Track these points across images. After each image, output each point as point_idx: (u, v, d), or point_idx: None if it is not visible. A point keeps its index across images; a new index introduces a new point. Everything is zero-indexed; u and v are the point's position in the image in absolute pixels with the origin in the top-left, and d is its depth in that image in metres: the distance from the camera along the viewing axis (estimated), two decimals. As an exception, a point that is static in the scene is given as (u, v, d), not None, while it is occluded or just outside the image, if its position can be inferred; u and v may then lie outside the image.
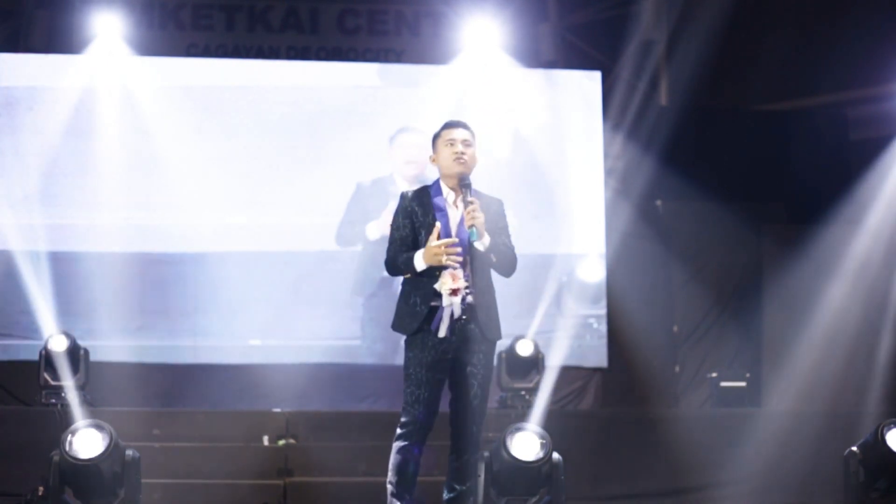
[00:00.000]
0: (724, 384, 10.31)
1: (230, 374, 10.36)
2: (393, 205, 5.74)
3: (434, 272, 5.44)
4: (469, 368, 5.50)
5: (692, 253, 11.46)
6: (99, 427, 6.44)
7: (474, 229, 5.42)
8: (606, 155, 11.21)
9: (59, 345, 9.11)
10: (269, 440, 8.78)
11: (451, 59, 11.10)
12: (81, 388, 8.97)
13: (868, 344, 10.37)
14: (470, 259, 5.50)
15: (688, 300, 11.42)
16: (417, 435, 5.54)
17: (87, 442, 6.36)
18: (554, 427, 6.91)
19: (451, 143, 5.60)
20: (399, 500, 5.64)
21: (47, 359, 9.05)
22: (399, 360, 5.66)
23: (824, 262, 10.61)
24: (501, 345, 9.72)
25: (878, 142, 10.97)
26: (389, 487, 5.66)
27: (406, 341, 5.56)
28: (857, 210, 10.74)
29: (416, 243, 5.52)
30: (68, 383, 8.90)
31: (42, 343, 9.28)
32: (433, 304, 5.46)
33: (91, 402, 8.87)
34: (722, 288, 11.46)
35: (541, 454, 6.48)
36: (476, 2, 11.05)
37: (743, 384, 10.26)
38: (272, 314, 10.57)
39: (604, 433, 8.91)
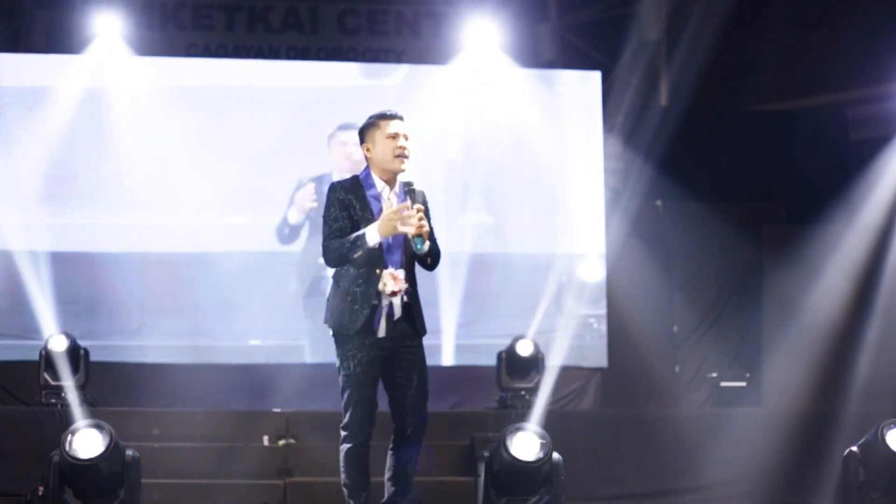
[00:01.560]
0: (724, 384, 10.31)
1: (230, 374, 10.35)
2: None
3: (373, 271, 5.35)
4: (406, 364, 5.51)
5: (692, 253, 11.46)
6: (99, 427, 6.44)
7: (419, 238, 5.31)
8: (606, 155, 11.21)
9: (59, 345, 9.11)
10: (269, 440, 8.78)
11: (451, 59, 11.09)
12: (81, 388, 8.97)
13: (867, 344, 10.36)
14: (409, 262, 5.46)
15: (688, 300, 11.42)
16: (363, 434, 5.57)
17: (87, 442, 6.37)
18: (554, 427, 6.91)
19: (394, 136, 5.42)
20: (355, 500, 5.59)
21: (47, 359, 9.05)
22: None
23: (824, 262, 10.61)
24: (501, 345, 9.84)
25: (878, 142, 10.96)
26: (345, 490, 5.62)
27: (339, 341, 5.50)
28: (856, 210, 10.73)
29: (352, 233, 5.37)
30: (68, 383, 8.90)
31: (42, 343, 9.28)
32: (373, 303, 5.39)
33: (91, 402, 8.87)
34: (722, 288, 11.46)
35: (541, 454, 6.48)
36: (476, 2, 11.05)
37: (743, 384, 10.26)
38: (272, 314, 10.56)
39: (604, 433, 8.91)
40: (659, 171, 11.07)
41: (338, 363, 5.57)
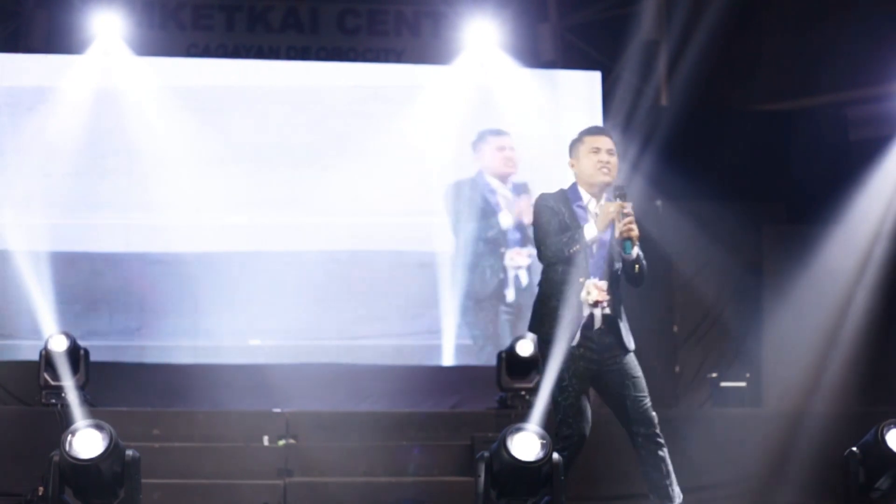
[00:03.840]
0: (724, 384, 10.30)
1: (230, 374, 10.35)
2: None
3: (577, 279, 5.50)
4: (615, 376, 5.62)
5: (692, 253, 11.45)
6: (99, 427, 6.42)
7: (629, 242, 5.50)
8: (606, 155, 11.19)
9: (59, 345, 9.10)
10: (269, 440, 8.78)
11: (451, 59, 11.10)
12: (81, 388, 8.96)
13: (868, 343, 10.36)
14: (615, 270, 5.60)
15: (688, 300, 11.41)
16: (577, 447, 5.70)
17: (87, 442, 6.35)
18: (554, 427, 6.90)
19: (596, 151, 5.63)
20: None
21: (47, 359, 9.04)
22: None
23: (824, 262, 10.61)
24: (501, 345, 9.84)
25: (878, 142, 10.96)
26: None
27: (546, 349, 5.60)
28: (857, 210, 10.73)
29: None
30: (68, 383, 8.88)
31: (42, 343, 9.27)
32: (574, 312, 5.53)
33: (91, 402, 8.87)
34: (722, 288, 11.45)
35: (541, 454, 6.45)
36: (476, 2, 11.06)
37: (743, 384, 10.25)
38: (272, 314, 10.57)
39: (604, 433, 8.89)
40: (659, 171, 11.06)
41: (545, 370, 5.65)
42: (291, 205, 10.76)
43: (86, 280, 10.47)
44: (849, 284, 10.52)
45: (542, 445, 6.45)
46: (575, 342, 5.54)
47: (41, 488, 6.53)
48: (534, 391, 9.38)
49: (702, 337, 11.38)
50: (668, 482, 5.70)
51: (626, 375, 5.65)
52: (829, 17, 11.14)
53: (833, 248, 10.65)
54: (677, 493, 5.70)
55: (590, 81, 11.28)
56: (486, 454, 6.54)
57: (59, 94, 10.55)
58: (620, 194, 5.55)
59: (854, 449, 7.19)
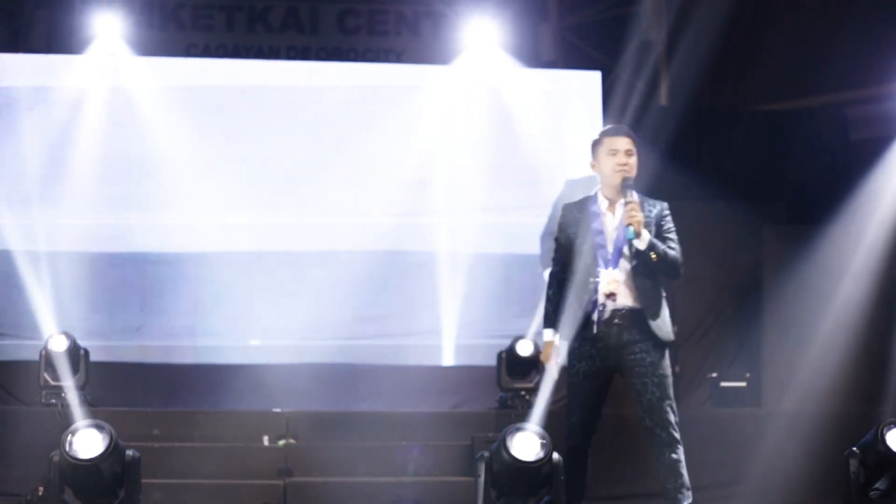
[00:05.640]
0: (724, 384, 10.30)
1: (230, 374, 10.36)
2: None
3: (587, 279, 5.56)
4: (638, 371, 5.62)
5: (692, 253, 11.41)
6: (99, 427, 6.43)
7: (631, 228, 5.46)
8: (606, 155, 11.20)
9: (59, 345, 9.10)
10: (269, 440, 8.78)
11: (451, 60, 11.10)
12: (81, 388, 8.97)
13: (869, 344, 10.35)
14: (631, 260, 5.57)
15: (688, 300, 11.40)
16: (578, 438, 5.89)
17: (87, 442, 6.35)
18: (554, 427, 6.90)
19: (614, 152, 5.59)
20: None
21: (47, 359, 9.05)
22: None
23: (825, 262, 10.60)
24: (501, 345, 9.83)
25: (878, 142, 10.95)
26: None
27: (568, 350, 5.78)
28: (857, 210, 10.73)
29: (569, 251, 5.66)
30: (68, 383, 8.89)
31: (42, 343, 9.28)
32: (587, 309, 5.62)
33: (91, 402, 8.87)
34: (722, 288, 11.45)
35: (541, 454, 6.46)
36: (476, 2, 11.06)
37: (743, 384, 10.25)
38: (272, 314, 10.57)
39: (604, 433, 8.88)
40: (659, 171, 11.04)
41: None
42: (291, 205, 10.76)
43: (86, 280, 10.47)
44: (849, 284, 10.52)
45: (542, 445, 6.45)
46: (583, 338, 5.64)
47: (41, 488, 6.55)
48: (534, 391, 9.39)
49: (702, 337, 11.37)
50: (677, 485, 5.76)
51: (646, 374, 5.63)
52: (828, 17, 11.13)
53: (833, 248, 10.64)
54: (686, 497, 5.72)
55: (590, 81, 11.28)
56: (486, 454, 6.55)
57: (58, 94, 10.55)
58: (627, 185, 5.56)
59: (854, 449, 7.19)
